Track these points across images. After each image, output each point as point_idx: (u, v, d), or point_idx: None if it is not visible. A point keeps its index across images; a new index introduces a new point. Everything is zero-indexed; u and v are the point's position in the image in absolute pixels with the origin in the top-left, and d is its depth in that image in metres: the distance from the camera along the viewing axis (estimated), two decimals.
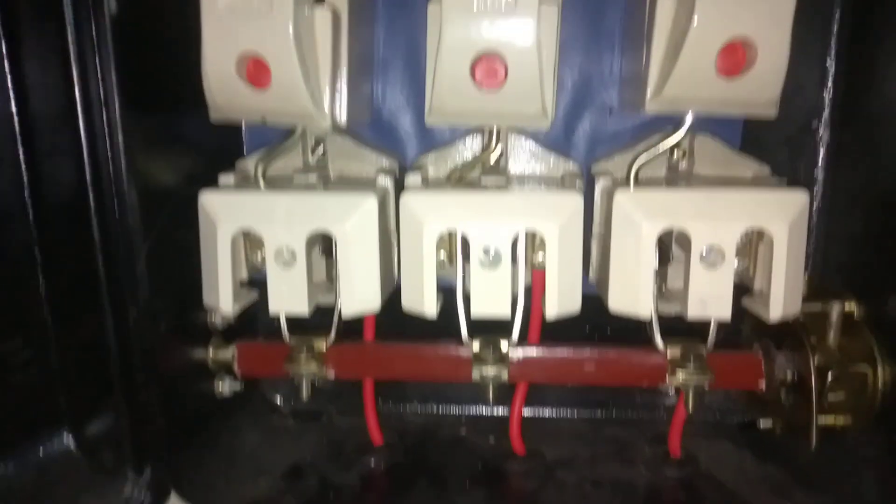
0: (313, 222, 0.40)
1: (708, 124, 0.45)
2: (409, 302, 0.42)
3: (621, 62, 0.47)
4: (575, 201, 0.40)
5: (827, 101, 0.47)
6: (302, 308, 0.41)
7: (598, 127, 0.50)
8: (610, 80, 0.48)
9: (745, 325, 0.49)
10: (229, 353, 0.47)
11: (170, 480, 0.43)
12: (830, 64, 0.47)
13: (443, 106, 0.39)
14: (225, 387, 0.49)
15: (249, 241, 0.44)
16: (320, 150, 0.47)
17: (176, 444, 0.44)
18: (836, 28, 0.46)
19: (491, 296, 0.40)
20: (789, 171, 0.49)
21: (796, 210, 0.39)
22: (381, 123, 0.50)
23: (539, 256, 0.42)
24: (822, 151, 0.48)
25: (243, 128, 0.49)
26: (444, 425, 0.53)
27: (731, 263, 0.39)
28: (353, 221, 0.40)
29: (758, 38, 0.35)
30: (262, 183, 0.43)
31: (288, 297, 0.41)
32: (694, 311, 0.40)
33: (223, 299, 0.41)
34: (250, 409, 0.53)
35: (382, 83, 0.49)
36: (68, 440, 0.42)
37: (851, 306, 0.44)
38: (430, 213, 0.40)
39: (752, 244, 0.43)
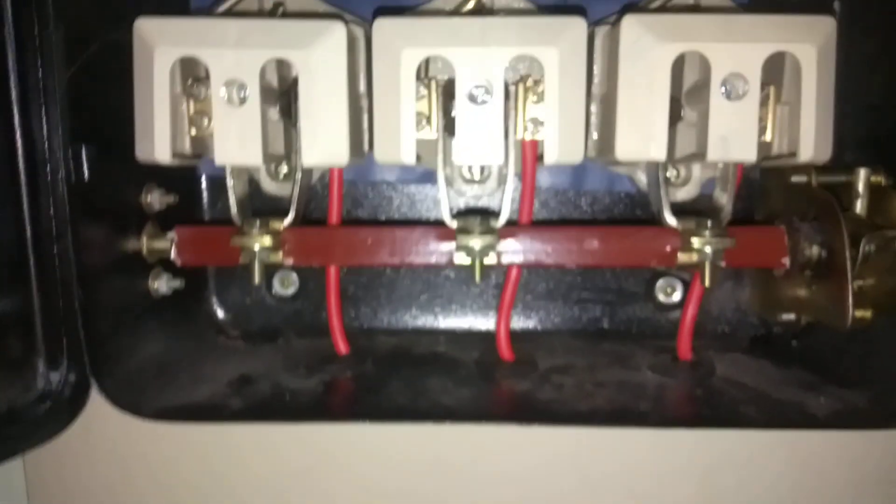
0: (270, 48, 0.34)
1: None
2: (383, 152, 0.35)
3: None
4: (578, 23, 0.34)
5: None
6: (255, 156, 0.35)
7: None
8: None
9: (759, 209, 0.44)
10: (167, 240, 0.40)
11: (90, 376, 0.36)
12: None
13: None
14: (161, 282, 0.41)
15: (196, 103, 0.37)
16: (279, 10, 0.41)
17: (98, 337, 0.36)
18: None
19: (480, 138, 0.34)
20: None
21: (825, 33, 0.34)
22: None
23: (533, 111, 0.36)
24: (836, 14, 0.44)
25: None
26: (420, 343, 0.46)
27: (756, 94, 0.34)
28: (320, 50, 0.34)
29: None
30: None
31: (238, 143, 0.34)
32: (715, 153, 0.34)
33: (158, 144, 0.34)
34: (192, 326, 0.46)
35: None
36: None
37: (879, 176, 0.39)
38: (408, 39, 0.34)
39: (770, 105, 0.37)
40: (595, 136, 0.40)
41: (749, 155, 0.34)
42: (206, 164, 0.43)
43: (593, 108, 0.40)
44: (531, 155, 0.38)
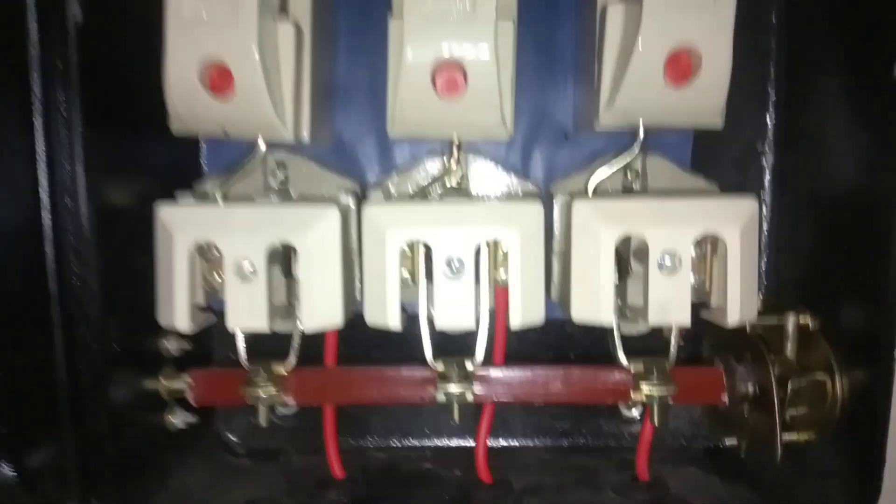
0: (274, 233, 0.40)
1: (659, 146, 0.47)
2: (372, 316, 0.41)
3: (575, 87, 0.49)
4: (535, 209, 0.40)
5: (769, 125, 0.50)
6: (261, 323, 0.40)
7: (555, 152, 0.51)
8: (565, 105, 0.50)
9: (704, 345, 0.50)
10: (183, 381, 0.45)
11: None
12: (770, 90, 0.50)
13: (405, 117, 0.40)
14: (178, 418, 0.46)
15: (207, 262, 0.43)
16: (282, 174, 0.48)
17: (124, 477, 0.42)
18: (773, 55, 0.49)
19: (455, 307, 0.40)
20: (737, 192, 0.51)
21: (747, 215, 0.40)
22: (343, 147, 0.50)
23: (501, 273, 0.42)
24: (767, 172, 0.51)
25: (202, 149, 0.49)
26: (408, 459, 0.51)
27: (688, 269, 0.40)
28: (316, 233, 0.40)
29: (702, 46, 0.37)
30: (220, 202, 0.42)
31: (247, 312, 0.40)
32: (654, 318, 0.40)
33: (179, 316, 0.40)
34: (204, 446, 0.51)
35: (344, 107, 0.50)
36: (7, 470, 0.39)
37: (806, 318, 0.45)
38: (392, 223, 0.40)
39: (707, 260, 0.44)
40: (556, 284, 0.46)
41: (684, 320, 0.40)
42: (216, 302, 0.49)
43: (555, 262, 0.46)
44: (503, 302, 0.43)
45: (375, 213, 0.40)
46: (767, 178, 0.50)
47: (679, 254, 0.39)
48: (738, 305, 0.40)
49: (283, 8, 0.42)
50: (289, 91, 0.40)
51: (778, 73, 0.49)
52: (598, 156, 0.49)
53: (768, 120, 0.50)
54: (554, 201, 0.46)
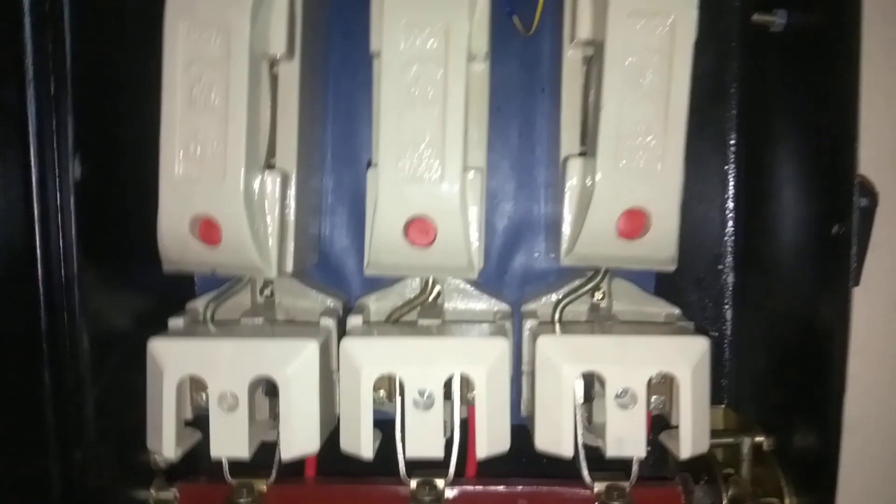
0: (256, 368, 0.43)
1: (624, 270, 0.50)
2: (346, 443, 0.44)
3: (545, 212, 0.52)
4: (501, 346, 0.43)
5: (729, 247, 0.53)
6: (243, 453, 0.43)
7: (528, 266, 0.54)
8: (537, 227, 0.53)
9: (669, 458, 0.52)
10: (171, 494, 0.48)
11: None
12: (730, 215, 0.53)
13: (379, 260, 0.43)
14: None
15: (194, 382, 0.46)
16: (268, 291, 0.51)
17: None
18: (732, 183, 0.52)
19: (425, 437, 0.43)
20: (700, 310, 0.54)
21: (698, 355, 0.43)
22: (328, 263, 0.53)
23: (473, 392, 0.45)
24: (728, 292, 0.53)
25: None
26: None
27: (644, 404, 0.42)
28: (295, 366, 0.43)
29: (651, 207, 0.40)
30: (211, 327, 0.45)
31: (229, 442, 0.43)
32: (612, 451, 0.43)
33: (166, 445, 0.43)
34: None
35: (329, 227, 0.53)
36: None
37: (761, 439, 0.48)
38: (367, 359, 0.42)
39: (668, 381, 0.46)
40: (525, 401, 0.49)
41: (640, 453, 0.43)
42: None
43: (524, 380, 0.49)
44: (475, 419, 0.46)
45: (352, 347, 0.43)
46: (728, 296, 0.53)
47: (635, 391, 0.42)
48: (690, 440, 0.42)
49: (271, 154, 0.45)
50: (274, 234, 0.43)
51: (737, 199, 0.52)
52: (566, 272, 0.52)
53: (727, 241, 0.53)
54: (523, 324, 0.48)
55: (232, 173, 0.40)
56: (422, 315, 0.48)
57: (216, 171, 0.40)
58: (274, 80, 0.44)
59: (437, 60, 0.39)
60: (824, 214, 0.41)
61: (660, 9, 0.38)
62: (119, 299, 0.46)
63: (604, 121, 0.39)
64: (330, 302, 0.51)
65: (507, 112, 0.52)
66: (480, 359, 0.43)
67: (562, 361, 0.43)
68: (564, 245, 0.43)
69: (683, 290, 0.53)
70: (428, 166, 0.40)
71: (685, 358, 0.42)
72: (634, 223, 0.40)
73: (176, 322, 0.47)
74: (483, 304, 0.51)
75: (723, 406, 0.54)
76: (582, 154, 0.44)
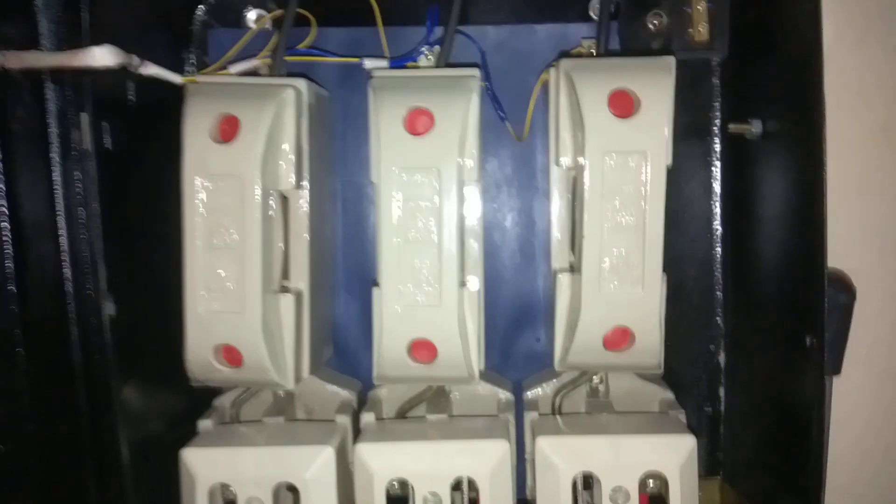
0: (279, 474, 0.47)
1: None
2: None
3: (545, 300, 0.56)
4: (502, 449, 0.47)
5: (719, 331, 0.56)
6: None
7: (530, 349, 0.58)
8: (538, 313, 0.57)
9: None
10: None
11: None
12: (719, 293, 0.56)
13: (385, 374, 0.47)
14: None
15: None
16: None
17: None
18: (719, 271, 0.55)
19: None
20: (695, 387, 0.57)
21: (685, 453, 0.46)
22: (344, 353, 0.57)
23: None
24: (720, 371, 0.56)
25: None
26: None
27: (636, 500, 0.46)
28: (313, 471, 0.47)
29: (635, 326, 0.43)
30: (238, 429, 0.50)
31: None
32: None
33: None
34: None
35: (343, 320, 0.57)
36: None
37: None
38: (378, 465, 0.46)
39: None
40: (530, 487, 0.53)
41: None
42: None
43: (528, 466, 0.53)
44: None
45: (364, 453, 0.47)
46: (722, 376, 0.56)
47: (627, 489, 0.45)
48: None
49: (285, 275, 0.49)
50: (290, 349, 0.47)
51: (725, 290, 0.55)
52: None
53: (719, 325, 0.56)
54: (525, 415, 0.52)
55: (250, 306, 0.44)
56: (430, 407, 0.52)
57: (235, 304, 0.44)
58: (284, 205, 0.48)
59: (430, 200, 0.43)
60: (798, 321, 0.44)
61: (632, 146, 0.41)
62: (153, 408, 0.50)
63: (586, 251, 0.42)
64: (345, 394, 0.55)
65: (504, 205, 0.56)
66: (483, 461, 0.46)
67: (559, 462, 0.46)
68: (557, 354, 0.46)
69: (678, 370, 0.56)
70: (427, 295, 0.44)
71: (673, 457, 0.46)
72: (620, 339, 0.43)
73: (205, 424, 0.51)
74: (487, 390, 0.55)
75: (718, 477, 0.57)
76: (571, 267, 0.47)
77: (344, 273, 0.57)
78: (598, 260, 0.42)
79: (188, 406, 0.53)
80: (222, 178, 0.43)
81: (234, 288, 0.44)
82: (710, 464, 0.57)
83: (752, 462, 0.53)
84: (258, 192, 0.43)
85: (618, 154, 0.42)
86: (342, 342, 0.58)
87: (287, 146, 0.45)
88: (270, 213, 0.46)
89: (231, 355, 0.45)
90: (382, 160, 0.43)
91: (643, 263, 0.42)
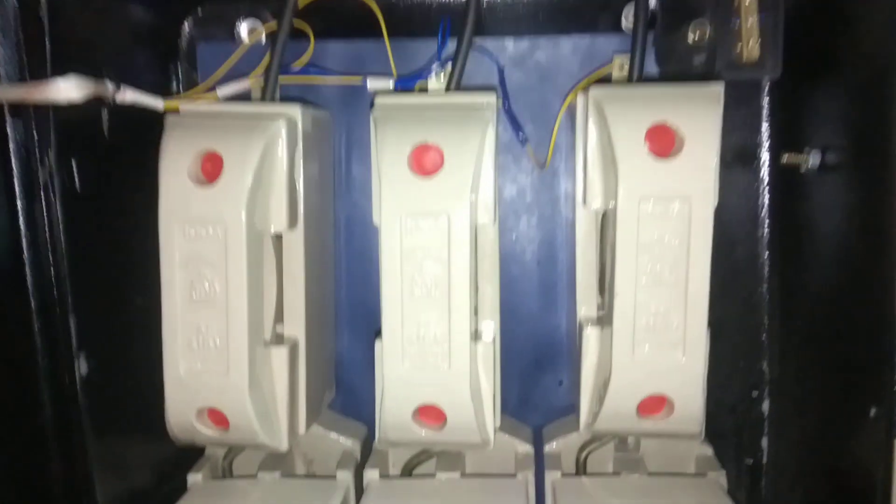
0: None
1: None
2: None
3: (567, 340, 0.51)
4: None
5: (766, 377, 0.50)
6: None
7: (552, 392, 0.52)
8: (560, 353, 0.51)
9: None
10: None
11: None
12: (764, 340, 0.50)
13: (389, 438, 0.42)
14: None
15: None
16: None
17: None
18: (766, 316, 0.49)
19: None
20: (735, 438, 0.51)
21: None
22: (350, 392, 0.52)
23: None
24: (764, 420, 0.51)
25: None
26: None
27: None
28: None
29: (674, 394, 0.38)
30: (230, 484, 0.45)
31: None
32: None
33: None
34: None
35: (347, 357, 0.52)
36: None
37: None
38: None
39: None
40: None
41: None
42: None
43: None
44: None
45: None
46: (764, 423, 0.51)
47: None
48: None
49: (279, 319, 0.44)
50: (283, 408, 0.43)
51: (770, 332, 0.49)
52: None
53: (761, 369, 0.50)
54: (546, 474, 0.47)
55: (235, 366, 0.39)
56: (441, 463, 0.47)
57: (219, 364, 0.39)
58: (278, 245, 0.43)
59: (438, 251, 0.38)
60: (862, 389, 0.38)
61: (673, 190, 0.35)
62: (136, 462, 0.46)
63: (618, 308, 0.37)
64: (347, 443, 0.50)
65: (523, 236, 0.50)
66: None
67: None
68: (584, 419, 0.41)
69: (717, 417, 0.50)
70: (434, 356, 0.39)
71: None
72: (656, 406, 0.38)
73: (195, 479, 0.47)
74: (504, 441, 0.50)
75: None
76: (600, 319, 0.42)
77: (348, 308, 0.52)
78: (631, 318, 0.37)
79: (178, 455, 0.48)
80: (204, 223, 0.38)
81: (218, 345, 0.39)
82: None
83: None
84: (244, 238, 0.38)
85: (656, 199, 0.36)
86: (346, 381, 0.53)
87: (278, 184, 0.40)
88: (261, 256, 0.41)
89: (216, 418, 0.41)
90: (384, 204, 0.38)
91: (684, 324, 0.37)
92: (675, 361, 0.37)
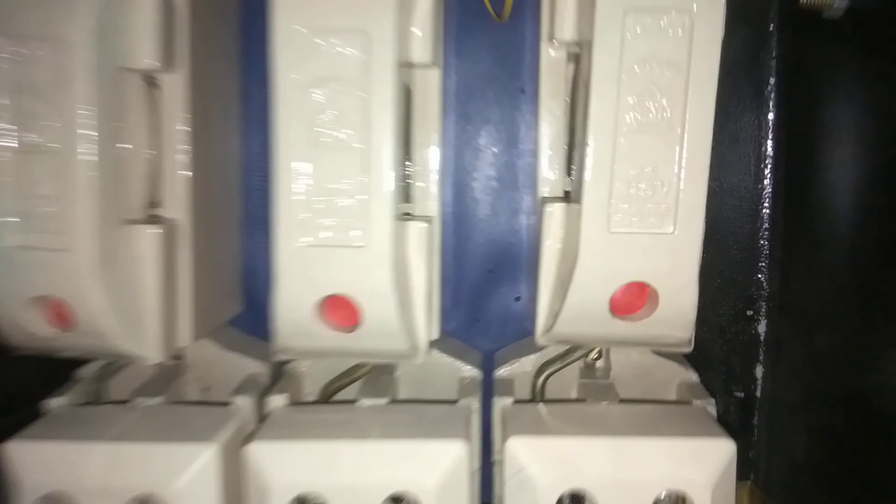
0: (137, 484, 0.33)
1: None
2: None
3: (528, 246, 0.41)
4: (457, 452, 0.32)
5: (764, 291, 0.41)
6: None
7: (506, 310, 0.43)
8: (518, 264, 0.42)
9: None
10: None
11: None
12: (764, 248, 0.41)
13: (290, 345, 0.32)
14: None
15: None
16: None
17: None
18: (767, 204, 0.40)
19: None
20: (723, 365, 0.43)
21: (720, 465, 0.32)
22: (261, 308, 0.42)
23: None
24: (760, 345, 0.42)
25: None
26: None
27: None
28: (186, 481, 0.33)
29: (658, 282, 0.28)
30: (94, 410, 0.35)
31: None
32: None
33: None
34: None
35: (259, 266, 0.43)
36: None
37: None
38: (277, 474, 0.32)
39: None
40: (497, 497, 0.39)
41: None
42: None
43: (495, 472, 0.39)
44: None
45: (257, 456, 0.33)
46: (760, 349, 0.42)
47: None
48: None
49: (155, 195, 0.34)
50: (155, 304, 0.33)
51: (773, 223, 0.41)
52: None
53: (761, 283, 0.42)
54: (493, 404, 0.38)
55: (83, 239, 0.29)
56: (366, 388, 0.38)
57: (57, 236, 0.29)
58: (151, 97, 0.33)
59: (352, 83, 0.28)
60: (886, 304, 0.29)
61: (670, 1, 0.26)
62: None
63: (590, 162, 0.27)
64: (253, 365, 0.40)
65: (477, 119, 0.41)
66: (431, 470, 0.32)
67: (540, 473, 0.32)
68: (541, 321, 0.32)
69: (703, 340, 0.41)
70: (345, 229, 0.29)
71: (703, 471, 0.32)
72: (634, 301, 0.29)
73: (56, 403, 0.37)
74: (446, 364, 0.41)
75: (748, 482, 0.43)
76: (566, 195, 0.32)
77: (263, 207, 0.42)
78: (607, 180, 0.27)
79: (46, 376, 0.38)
80: (35, 39, 0.28)
81: (55, 212, 0.29)
82: (739, 465, 0.43)
83: (801, 469, 0.40)
84: (92, 67, 0.28)
85: (646, 13, 0.26)
86: (259, 298, 0.43)
87: (146, 11, 0.30)
88: (118, 98, 0.30)
89: (58, 313, 0.31)
90: (277, 15, 0.28)
91: (678, 186, 0.27)
92: (663, 237, 0.28)
